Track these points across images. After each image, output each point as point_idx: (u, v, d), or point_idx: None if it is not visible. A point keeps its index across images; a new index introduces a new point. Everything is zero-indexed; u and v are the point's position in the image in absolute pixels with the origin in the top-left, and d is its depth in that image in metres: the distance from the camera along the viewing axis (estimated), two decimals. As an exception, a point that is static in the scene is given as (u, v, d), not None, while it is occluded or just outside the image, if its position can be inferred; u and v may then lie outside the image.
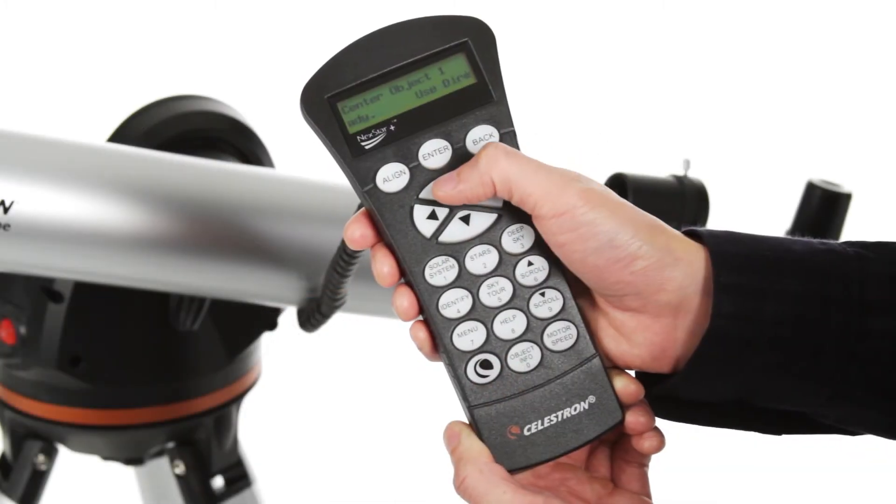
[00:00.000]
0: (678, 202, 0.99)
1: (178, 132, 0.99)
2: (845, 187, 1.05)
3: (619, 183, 0.98)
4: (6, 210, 0.81)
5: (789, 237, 0.66)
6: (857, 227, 1.06)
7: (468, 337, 0.65)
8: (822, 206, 1.04)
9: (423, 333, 0.67)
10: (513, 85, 0.67)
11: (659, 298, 0.64)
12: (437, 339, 0.66)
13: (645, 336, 0.66)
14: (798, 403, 0.65)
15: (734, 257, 0.63)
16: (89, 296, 0.95)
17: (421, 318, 0.67)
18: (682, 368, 0.65)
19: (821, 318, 0.63)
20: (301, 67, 0.68)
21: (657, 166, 1.03)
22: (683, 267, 0.64)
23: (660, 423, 0.68)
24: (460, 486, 0.64)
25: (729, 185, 1.29)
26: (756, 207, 1.46)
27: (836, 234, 1.05)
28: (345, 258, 0.82)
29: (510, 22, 2.13)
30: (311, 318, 0.95)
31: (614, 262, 0.63)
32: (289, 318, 1.04)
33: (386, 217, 0.65)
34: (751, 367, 0.63)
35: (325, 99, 0.66)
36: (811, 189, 1.05)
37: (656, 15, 2.22)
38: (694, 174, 1.01)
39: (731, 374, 0.64)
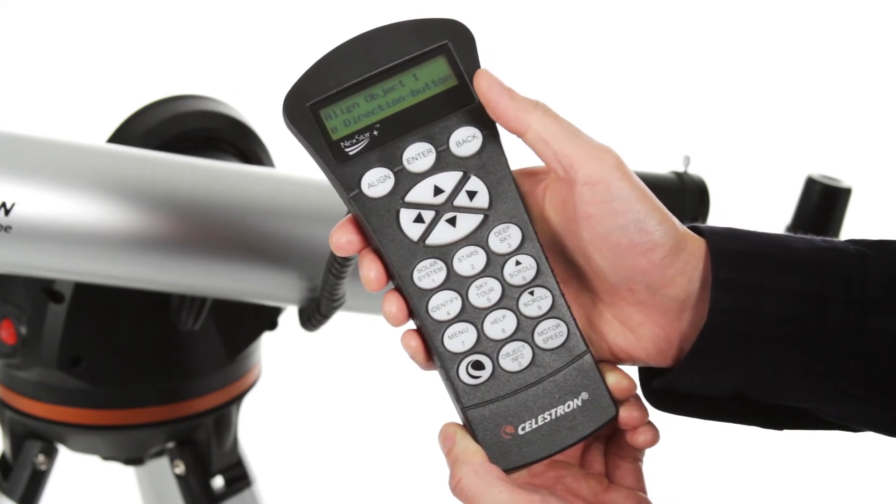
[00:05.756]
0: (678, 199, 0.99)
1: (179, 132, 0.99)
2: (845, 182, 1.05)
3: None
4: (7, 212, 0.81)
5: (791, 234, 0.66)
6: (857, 222, 1.06)
7: (459, 338, 0.65)
8: (822, 200, 1.04)
9: (414, 342, 0.66)
10: (513, 83, 0.67)
11: (667, 293, 0.64)
12: (429, 341, 0.66)
13: (651, 329, 0.66)
14: (797, 399, 0.65)
15: (734, 253, 0.64)
16: (90, 296, 0.95)
17: (412, 325, 0.67)
18: (680, 362, 0.65)
19: (820, 316, 0.63)
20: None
21: (657, 163, 1.03)
22: (694, 262, 0.64)
23: (657, 417, 0.68)
24: (456, 488, 0.64)
25: (729, 180, 1.29)
26: (756, 203, 1.46)
27: (836, 229, 1.05)
28: (339, 260, 0.82)
29: (510, 19, 2.13)
30: (312, 317, 0.95)
31: (635, 245, 0.63)
32: (289, 318, 1.04)
33: (372, 222, 0.65)
34: (750, 362, 0.63)
35: (307, 107, 0.66)
36: (811, 184, 1.05)
37: (654, 10, 2.22)
38: (694, 170, 1.01)
39: (730, 368, 0.64)
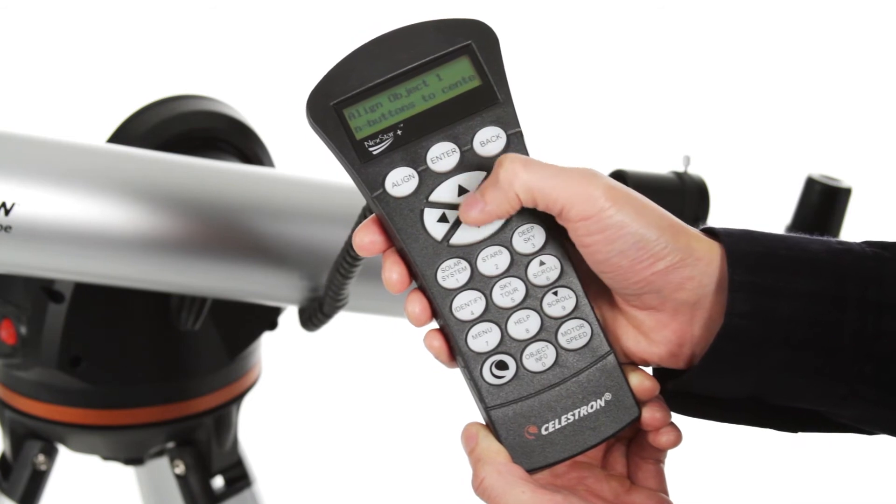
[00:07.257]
0: (679, 199, 0.99)
1: (179, 132, 0.99)
2: (845, 182, 1.05)
3: (619, 180, 0.98)
4: (7, 212, 0.81)
5: (807, 236, 0.66)
6: (857, 222, 1.06)
7: (483, 338, 0.65)
8: (822, 200, 1.04)
9: (437, 342, 0.66)
10: (512, 82, 0.67)
11: (677, 297, 0.64)
12: (452, 341, 0.66)
13: (663, 334, 0.66)
14: (812, 402, 0.65)
15: (749, 256, 0.64)
16: (90, 296, 0.95)
17: (434, 325, 0.67)
18: (696, 365, 0.65)
19: (836, 318, 0.63)
20: (301, 67, 0.68)
21: (657, 163, 1.03)
22: (703, 266, 0.64)
23: (676, 420, 0.68)
24: (479, 487, 0.64)
25: (729, 180, 1.29)
26: (756, 203, 1.46)
27: (836, 229, 1.05)
28: (349, 260, 0.82)
29: (510, 20, 2.13)
30: (313, 317, 0.95)
31: (638, 263, 0.63)
32: (289, 317, 1.04)
33: (396, 222, 0.65)
34: (765, 364, 0.63)
35: (330, 106, 0.66)
36: (811, 184, 1.05)
37: (655, 11, 2.22)
38: (694, 170, 1.01)
39: (745, 371, 0.64)
